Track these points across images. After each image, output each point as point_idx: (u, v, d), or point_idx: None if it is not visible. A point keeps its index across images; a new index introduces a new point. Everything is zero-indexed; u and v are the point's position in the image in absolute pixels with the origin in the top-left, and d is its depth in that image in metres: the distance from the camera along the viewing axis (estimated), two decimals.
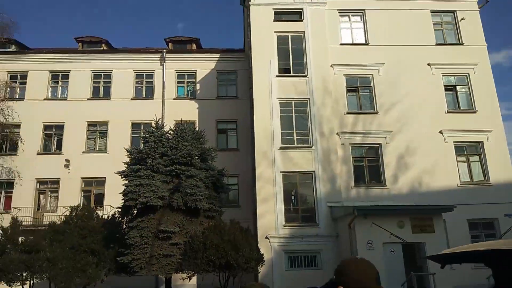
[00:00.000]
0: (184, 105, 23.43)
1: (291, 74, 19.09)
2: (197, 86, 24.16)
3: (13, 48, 24.54)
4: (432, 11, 20.53)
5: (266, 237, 16.41)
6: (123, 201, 14.43)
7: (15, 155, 21.82)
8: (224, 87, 24.42)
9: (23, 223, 19.08)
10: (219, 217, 14.91)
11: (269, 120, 18.16)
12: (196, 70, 24.23)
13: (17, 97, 23.28)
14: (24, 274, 14.10)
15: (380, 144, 18.40)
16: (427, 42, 19.97)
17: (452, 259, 4.17)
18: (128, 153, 15.51)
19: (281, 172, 17.45)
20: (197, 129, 22.24)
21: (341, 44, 19.78)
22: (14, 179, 21.26)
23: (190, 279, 13.76)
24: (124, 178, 14.87)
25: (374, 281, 1.80)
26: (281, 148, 17.85)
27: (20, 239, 15.30)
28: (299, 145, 18.02)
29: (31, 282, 14.55)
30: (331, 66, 19.20)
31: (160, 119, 16.39)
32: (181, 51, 24.91)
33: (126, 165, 15.20)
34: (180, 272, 13.73)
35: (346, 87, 19.23)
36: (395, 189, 17.61)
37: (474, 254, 3.57)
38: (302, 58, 19.15)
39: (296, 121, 18.44)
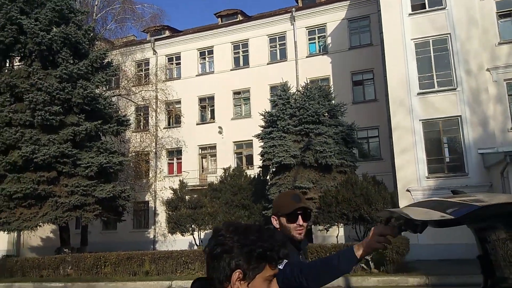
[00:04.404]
0: (317, 61, 23.41)
1: (427, 9, 17.08)
2: (328, 40, 23.71)
3: (167, 33, 28.20)
4: None
5: (407, 190, 15.75)
6: (261, 161, 15.83)
7: (179, 127, 25.67)
8: (356, 35, 23.34)
9: (192, 184, 22.77)
10: (352, 172, 14.98)
11: (404, 64, 16.82)
12: (326, 23, 23.73)
13: (175, 76, 26.99)
14: (192, 226, 17.05)
15: None
16: None
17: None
18: (262, 117, 16.70)
19: (420, 120, 16.21)
20: (331, 84, 22.28)
21: None
22: (181, 147, 25.18)
23: (327, 231, 14.46)
24: (260, 140, 16.19)
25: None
26: (419, 94, 16.46)
27: (187, 197, 18.40)
28: (441, 88, 16.28)
29: (199, 233, 17.49)
30: None
31: (287, 82, 16.92)
32: (310, 6, 24.58)
33: (261, 128, 16.47)
34: (318, 225, 14.53)
35: (497, 12, 16.20)
36: None
37: None
38: None
39: (436, 62, 16.61)
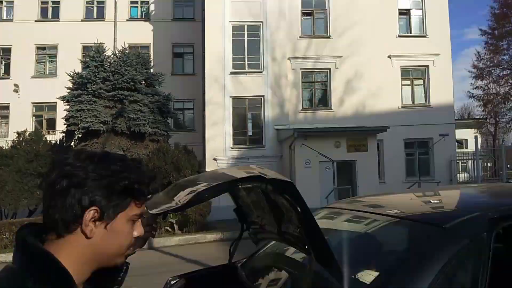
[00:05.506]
0: (138, 27, 22.52)
1: None
2: (152, 7, 23.06)
3: None
4: None
5: (214, 159, 16.98)
6: (65, 126, 14.49)
7: None
8: (180, 8, 23.39)
9: None
10: (165, 141, 15.20)
11: (221, 44, 17.77)
12: None
13: None
14: None
15: (329, 69, 18.51)
16: None
17: None
18: (70, 78, 15.23)
19: (231, 96, 17.56)
20: (151, 52, 21.87)
21: None
22: None
23: None
24: (66, 103, 14.77)
25: None
26: (232, 73, 17.74)
27: None
28: (250, 70, 17.92)
29: None
30: None
31: (102, 43, 15.87)
32: None
33: (68, 90, 15.01)
34: None
35: (301, 10, 18.73)
36: (340, 112, 18.15)
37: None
38: None
39: (248, 46, 18.13)
